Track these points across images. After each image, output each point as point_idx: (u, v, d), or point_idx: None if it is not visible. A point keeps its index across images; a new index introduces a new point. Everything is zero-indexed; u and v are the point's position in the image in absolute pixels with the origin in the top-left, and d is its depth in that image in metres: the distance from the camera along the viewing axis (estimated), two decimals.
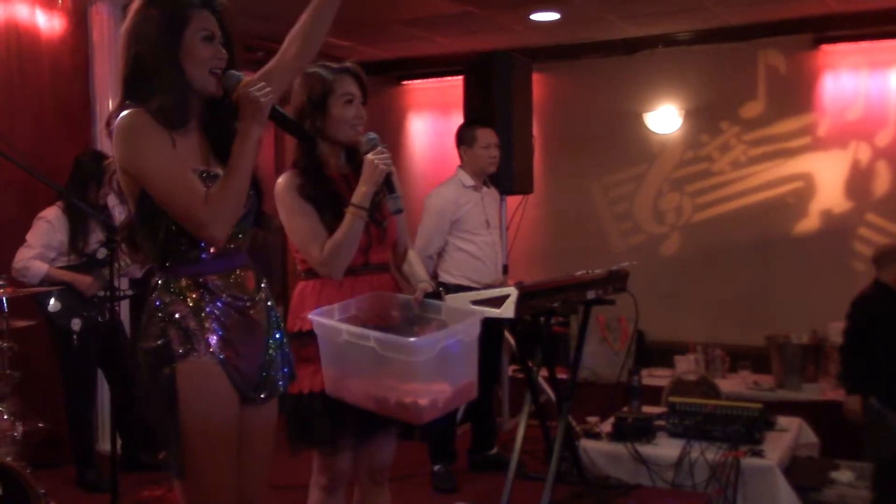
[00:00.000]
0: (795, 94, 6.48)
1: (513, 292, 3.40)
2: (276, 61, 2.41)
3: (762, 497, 4.14)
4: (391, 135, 7.21)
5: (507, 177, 5.29)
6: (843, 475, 4.61)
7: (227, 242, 2.19)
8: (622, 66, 6.92)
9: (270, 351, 2.31)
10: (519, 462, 4.18)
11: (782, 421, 4.77)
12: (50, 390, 4.86)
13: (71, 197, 4.45)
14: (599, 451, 4.54)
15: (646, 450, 4.42)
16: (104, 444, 5.10)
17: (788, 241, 6.48)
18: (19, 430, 3.79)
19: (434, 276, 4.60)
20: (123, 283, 4.80)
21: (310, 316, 2.59)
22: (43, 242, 4.59)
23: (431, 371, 2.48)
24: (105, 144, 5.32)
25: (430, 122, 7.72)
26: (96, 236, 4.73)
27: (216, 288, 2.19)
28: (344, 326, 2.54)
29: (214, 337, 2.16)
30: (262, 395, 2.28)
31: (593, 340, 6.26)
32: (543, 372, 4.69)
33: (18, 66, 5.09)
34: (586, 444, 4.58)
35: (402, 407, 2.51)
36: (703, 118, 6.78)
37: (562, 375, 4.64)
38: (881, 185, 6.26)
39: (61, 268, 4.63)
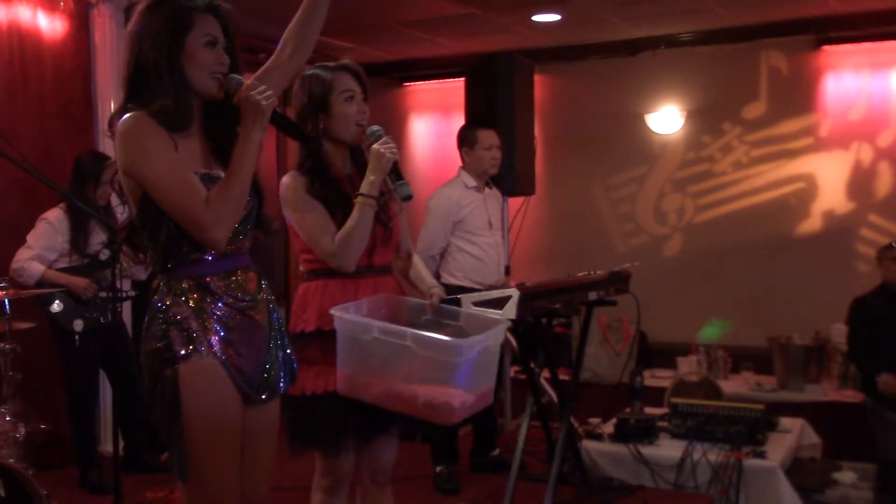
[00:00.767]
0: (797, 95, 6.48)
1: (515, 293, 3.40)
2: (272, 61, 2.42)
3: (764, 498, 4.14)
4: (393, 136, 7.16)
5: (510, 178, 5.29)
6: (846, 476, 4.60)
7: (229, 244, 2.19)
8: (624, 67, 6.92)
9: (272, 352, 2.31)
10: (521, 463, 4.18)
11: (784, 422, 4.76)
12: (52, 392, 4.88)
13: (72, 198, 4.45)
14: (601, 452, 4.53)
15: (648, 451, 4.42)
16: (107, 446, 5.10)
17: (790, 241, 6.47)
18: (21, 431, 3.79)
19: (436, 276, 4.60)
20: (126, 285, 4.81)
21: (333, 311, 2.59)
22: (43, 244, 4.60)
23: (465, 373, 2.50)
24: (107, 146, 5.35)
25: (432, 124, 7.73)
26: (98, 237, 4.74)
27: (217, 289, 2.19)
28: (376, 323, 2.55)
29: (216, 338, 2.17)
30: (263, 396, 2.28)
31: (595, 341, 6.25)
32: (545, 373, 4.69)
33: (21, 68, 5.10)
34: (588, 445, 4.57)
35: (432, 407, 2.53)
36: (705, 119, 6.77)
37: (564, 376, 4.64)
38: (883, 185, 6.25)
39: (63, 269, 4.64)
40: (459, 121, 5.46)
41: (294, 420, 2.73)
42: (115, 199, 5.01)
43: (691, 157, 6.85)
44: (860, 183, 6.30)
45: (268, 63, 2.42)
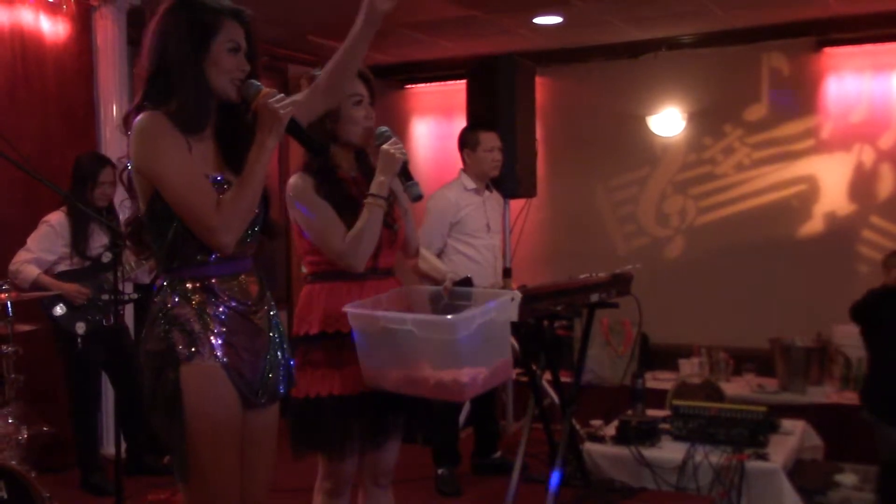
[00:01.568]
0: (799, 97, 6.48)
1: (516, 295, 3.41)
2: (308, 93, 2.44)
3: (766, 500, 4.14)
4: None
5: (511, 180, 5.29)
6: (848, 478, 4.60)
7: (235, 248, 2.20)
8: (625, 69, 6.92)
9: (272, 356, 2.31)
10: (523, 465, 4.18)
11: (786, 424, 4.76)
12: (54, 394, 4.88)
13: (73, 199, 4.46)
14: (603, 454, 4.53)
15: (650, 453, 4.42)
16: (109, 448, 5.11)
17: (792, 243, 6.47)
18: (24, 433, 3.80)
19: None
20: (128, 287, 4.81)
21: (346, 308, 2.62)
22: (42, 247, 4.61)
23: (470, 349, 2.53)
24: (110, 148, 5.37)
25: (434, 126, 7.73)
26: (99, 240, 4.75)
27: (221, 292, 2.20)
28: (380, 314, 2.59)
29: (218, 340, 2.17)
30: (262, 400, 2.28)
31: (597, 343, 6.24)
32: (547, 375, 4.69)
33: (23, 70, 5.11)
34: (590, 448, 4.57)
35: (443, 386, 2.56)
36: (707, 121, 6.77)
37: (565, 379, 4.64)
38: (885, 187, 6.25)
39: (65, 272, 4.65)
40: (461, 123, 5.46)
41: (297, 422, 2.73)
42: (118, 201, 5.03)
43: (693, 159, 6.85)
44: (862, 185, 6.30)
45: (303, 94, 2.44)
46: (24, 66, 5.12)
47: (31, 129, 5.11)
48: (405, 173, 2.72)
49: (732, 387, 5.78)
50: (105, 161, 4.85)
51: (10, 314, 3.89)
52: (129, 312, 5.29)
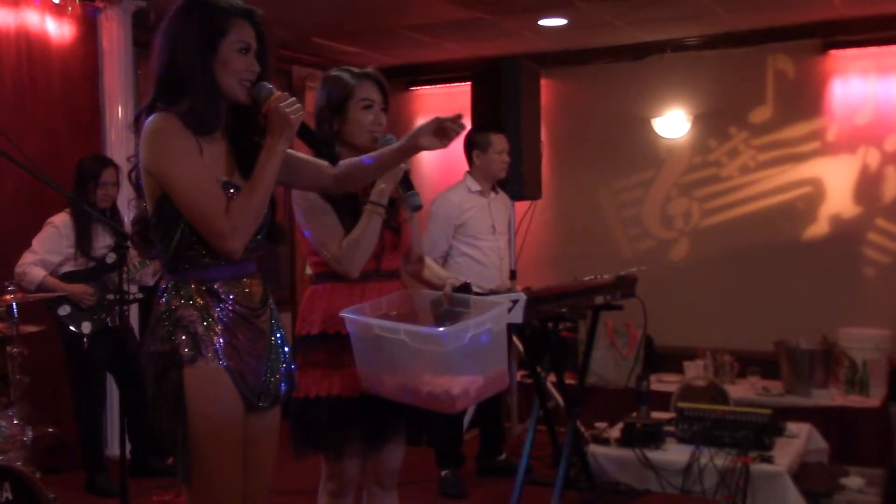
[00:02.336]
0: (804, 99, 6.47)
1: (521, 297, 3.41)
2: (316, 168, 2.40)
3: (772, 503, 4.13)
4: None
5: (516, 182, 5.29)
6: (853, 481, 4.58)
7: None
8: (630, 71, 6.92)
9: (273, 359, 2.31)
10: (527, 467, 4.18)
11: (792, 427, 4.75)
12: (59, 395, 4.89)
13: (78, 201, 4.47)
14: (608, 456, 4.53)
15: (654, 455, 4.41)
16: (114, 449, 5.11)
17: (797, 246, 6.46)
18: (29, 434, 3.80)
19: None
20: (132, 288, 4.81)
21: (342, 314, 2.61)
22: (47, 248, 4.62)
23: (462, 360, 2.52)
24: (114, 150, 5.37)
25: None
26: (104, 241, 4.76)
27: (225, 294, 2.20)
28: (375, 321, 2.58)
29: (221, 343, 2.17)
30: (263, 404, 2.27)
31: (602, 346, 6.24)
32: (552, 377, 4.69)
33: (29, 73, 5.12)
34: (595, 450, 4.57)
35: (434, 397, 2.55)
36: (712, 123, 6.77)
37: (570, 381, 4.64)
38: (890, 189, 6.24)
39: (70, 272, 4.66)
40: (466, 125, 5.45)
41: (298, 423, 2.73)
42: (125, 201, 5.03)
43: (698, 161, 6.85)
44: (867, 187, 6.29)
45: (315, 161, 2.40)
46: (30, 68, 5.13)
47: (36, 131, 5.12)
48: (406, 182, 2.72)
49: (737, 389, 5.77)
50: (107, 162, 4.86)
51: (16, 315, 3.90)
52: (133, 314, 5.30)
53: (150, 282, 4.96)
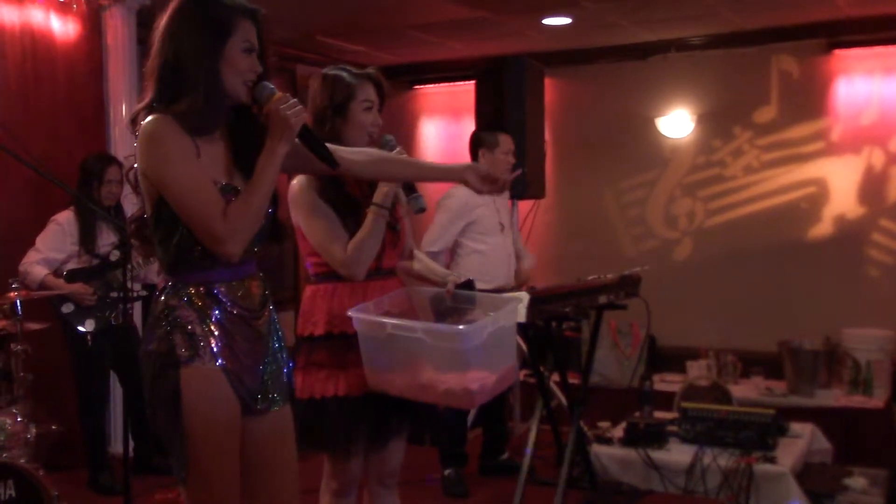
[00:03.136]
0: (809, 99, 6.46)
1: (525, 297, 3.41)
2: (346, 152, 2.38)
3: (775, 503, 4.13)
4: (403, 139, 7.15)
5: (519, 181, 5.26)
6: (857, 482, 4.58)
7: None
8: (634, 70, 6.91)
9: (271, 361, 2.30)
10: (530, 467, 4.18)
11: (795, 427, 4.75)
12: (63, 393, 4.89)
13: (82, 198, 4.48)
14: (611, 456, 4.53)
15: (658, 455, 4.41)
16: (117, 447, 5.11)
17: (801, 246, 6.45)
18: (32, 432, 3.81)
19: None
20: (136, 286, 4.82)
21: (350, 313, 2.62)
22: (50, 246, 4.63)
23: (479, 357, 2.56)
24: (119, 148, 5.37)
25: (442, 127, 7.73)
26: (108, 238, 4.77)
27: (224, 296, 2.18)
28: (388, 320, 2.59)
29: (219, 344, 2.16)
30: (259, 406, 2.26)
31: (605, 345, 6.24)
32: (555, 377, 4.69)
33: (33, 70, 5.12)
34: (598, 450, 4.57)
35: (452, 394, 2.58)
36: (716, 123, 6.76)
37: (573, 380, 4.63)
38: (895, 190, 6.22)
39: (74, 270, 4.66)
40: (469, 124, 5.45)
41: (302, 423, 2.73)
42: (124, 201, 5.04)
43: (702, 161, 6.84)
44: (871, 187, 6.28)
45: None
46: (35, 66, 5.13)
47: (41, 128, 5.12)
48: (409, 185, 2.72)
49: (740, 389, 5.77)
50: (111, 160, 4.87)
51: (20, 313, 3.90)
52: (137, 311, 5.30)
53: (155, 279, 4.96)
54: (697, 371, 6.11)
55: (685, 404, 4.71)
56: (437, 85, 7.72)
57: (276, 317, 2.36)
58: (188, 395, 2.12)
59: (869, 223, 6.29)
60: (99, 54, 5.44)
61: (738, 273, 6.57)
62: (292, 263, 6.98)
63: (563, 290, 3.83)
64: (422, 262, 3.02)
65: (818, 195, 6.44)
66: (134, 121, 2.17)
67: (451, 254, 4.73)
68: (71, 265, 4.68)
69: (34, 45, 5.12)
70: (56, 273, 4.62)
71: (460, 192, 4.75)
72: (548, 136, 6.21)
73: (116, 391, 5.13)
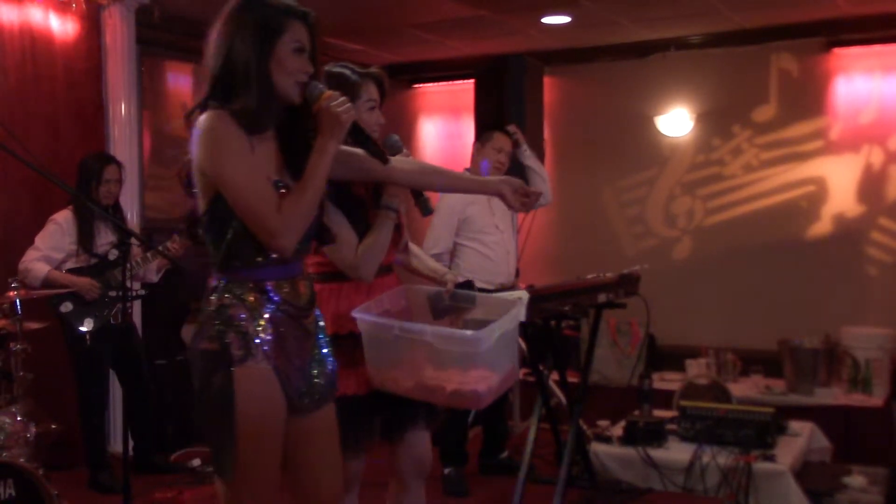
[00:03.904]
0: (808, 98, 6.46)
1: (524, 295, 3.41)
2: (366, 164, 2.40)
3: (774, 502, 4.13)
4: (403, 138, 7.17)
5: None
6: (856, 480, 4.58)
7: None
8: (634, 69, 6.91)
9: (318, 359, 2.34)
10: (530, 466, 4.18)
11: (794, 426, 4.75)
12: (62, 392, 4.89)
13: (81, 197, 4.48)
14: (610, 454, 4.53)
15: (657, 454, 4.42)
16: (116, 446, 5.12)
17: (800, 244, 6.45)
18: (32, 431, 3.80)
19: None
20: (135, 285, 4.82)
21: (355, 314, 2.64)
22: (49, 245, 4.63)
23: (486, 359, 2.60)
24: (117, 147, 5.38)
25: (442, 126, 7.73)
26: (106, 237, 4.77)
27: (274, 294, 2.22)
28: (396, 323, 2.63)
29: (270, 343, 2.19)
30: (306, 401, 2.29)
31: (604, 344, 6.25)
32: (554, 375, 4.69)
33: (33, 69, 5.12)
34: (597, 448, 4.57)
35: (460, 395, 2.62)
36: (715, 122, 6.76)
37: (573, 379, 4.63)
38: (894, 188, 6.23)
39: (72, 269, 4.67)
40: (469, 122, 5.46)
41: None
42: (123, 200, 5.04)
43: (701, 159, 6.84)
44: (870, 186, 6.28)
45: (364, 161, 2.39)
46: (34, 65, 5.13)
47: (40, 127, 5.12)
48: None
49: (740, 388, 5.77)
50: (109, 159, 4.87)
51: (19, 312, 3.90)
52: (136, 310, 5.31)
53: (154, 278, 4.97)
54: (697, 369, 6.12)
55: (684, 403, 4.72)
56: (436, 84, 7.72)
57: (320, 313, 2.40)
58: (241, 394, 2.14)
59: (868, 222, 6.29)
60: (98, 53, 5.44)
61: (737, 272, 6.58)
62: None
63: (562, 289, 3.83)
64: (419, 258, 3.03)
65: (817, 194, 6.44)
66: (188, 118, 2.20)
67: (449, 254, 4.73)
68: (69, 264, 4.68)
69: (33, 44, 5.12)
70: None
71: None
72: (547, 134, 6.22)
73: (116, 390, 5.14)
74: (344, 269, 2.72)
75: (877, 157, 6.27)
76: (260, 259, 2.19)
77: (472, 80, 5.89)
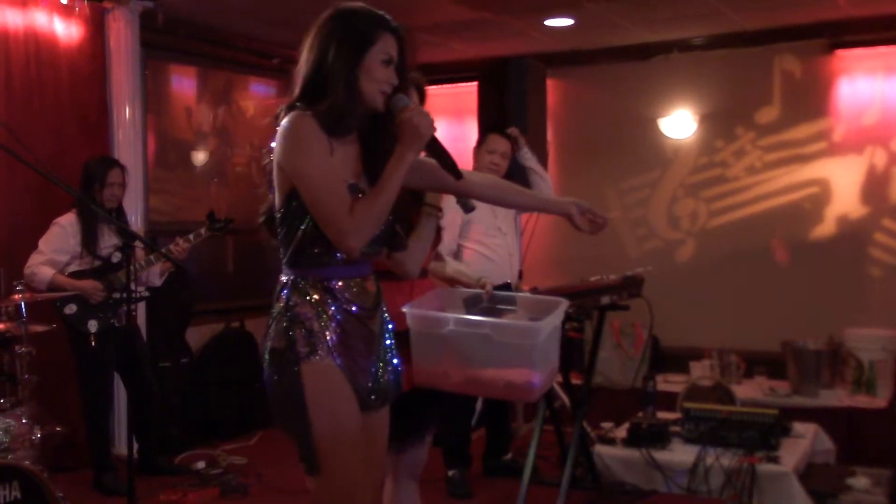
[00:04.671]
0: (811, 99, 6.46)
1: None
2: (439, 178, 2.43)
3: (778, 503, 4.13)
4: None
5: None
6: (860, 482, 4.58)
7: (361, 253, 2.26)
8: (637, 71, 6.92)
9: (383, 359, 2.38)
10: (533, 467, 4.18)
11: (798, 427, 4.75)
12: (67, 394, 4.91)
13: (85, 200, 4.49)
14: (614, 456, 4.53)
15: (661, 456, 4.42)
16: (121, 448, 5.13)
17: (804, 246, 6.45)
18: (37, 433, 3.81)
19: None
20: (138, 287, 4.83)
21: (405, 309, 2.69)
22: (53, 248, 4.64)
23: (541, 352, 2.69)
24: (121, 151, 5.39)
25: (445, 128, 7.72)
26: (110, 240, 4.78)
27: (340, 293, 2.27)
28: (451, 316, 2.70)
29: (334, 340, 2.25)
30: (373, 397, 2.35)
31: (608, 346, 6.24)
32: (558, 377, 4.69)
33: (37, 73, 5.14)
34: (601, 450, 4.57)
35: (513, 387, 2.70)
36: (718, 123, 6.76)
37: (576, 381, 4.64)
38: None
39: (76, 271, 4.68)
40: (472, 125, 5.46)
41: None
42: (127, 203, 5.05)
43: (704, 161, 6.84)
44: (874, 187, 6.27)
45: (440, 172, 2.40)
46: (38, 69, 5.15)
47: (44, 130, 5.14)
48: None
49: (744, 389, 5.77)
50: (113, 162, 4.89)
51: (24, 315, 3.91)
52: (140, 313, 5.32)
53: (158, 282, 4.98)
54: (700, 371, 6.12)
55: (688, 404, 4.72)
56: (439, 86, 7.70)
57: (388, 316, 2.45)
58: (310, 389, 2.21)
59: (872, 223, 6.28)
60: (102, 57, 5.46)
61: (740, 273, 6.57)
62: None
63: (565, 291, 3.84)
64: (452, 266, 3.10)
65: (821, 195, 6.43)
66: (276, 118, 2.28)
67: (455, 256, 4.73)
68: (73, 267, 4.70)
69: (38, 47, 5.14)
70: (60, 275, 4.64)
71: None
72: (550, 136, 6.22)
73: (120, 392, 5.15)
74: (389, 265, 2.75)
75: (880, 158, 6.27)
76: (327, 259, 2.26)
77: (475, 83, 5.89)
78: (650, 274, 4.34)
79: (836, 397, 5.65)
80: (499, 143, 4.76)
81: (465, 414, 4.95)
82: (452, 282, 3.06)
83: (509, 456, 5.12)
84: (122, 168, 4.88)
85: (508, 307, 2.92)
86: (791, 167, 6.52)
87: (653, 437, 4.50)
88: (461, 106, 7.32)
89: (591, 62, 7.03)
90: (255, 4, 5.64)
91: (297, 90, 2.29)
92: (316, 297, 2.25)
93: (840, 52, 6.32)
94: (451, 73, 7.43)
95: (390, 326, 2.43)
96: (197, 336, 6.04)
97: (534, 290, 3.57)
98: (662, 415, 4.81)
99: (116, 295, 4.69)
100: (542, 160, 5.74)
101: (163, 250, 4.60)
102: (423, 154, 2.33)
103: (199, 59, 6.36)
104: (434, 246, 2.89)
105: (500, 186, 2.74)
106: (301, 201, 2.20)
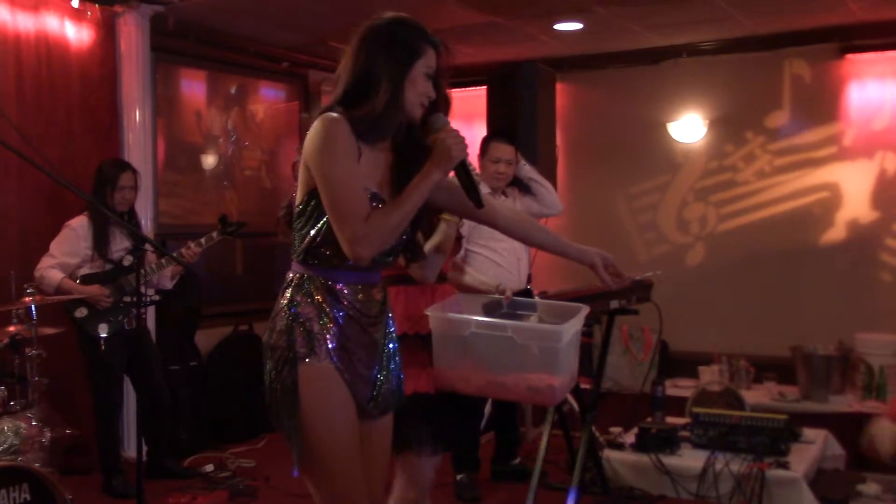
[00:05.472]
0: (821, 104, 6.45)
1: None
2: (464, 198, 2.41)
3: None
4: None
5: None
6: (870, 488, 4.56)
7: (371, 262, 2.26)
8: (646, 75, 6.91)
9: (385, 368, 2.38)
10: (542, 472, 4.18)
11: (808, 433, 4.72)
12: (77, 397, 4.92)
13: (96, 203, 4.51)
14: (623, 461, 4.52)
15: (670, 461, 4.40)
16: (130, 451, 5.15)
17: (814, 251, 6.43)
18: (47, 436, 3.83)
19: None
20: (149, 291, 4.85)
21: (428, 311, 2.71)
22: (64, 251, 4.66)
23: (564, 356, 2.70)
24: (133, 153, 5.42)
25: None
26: (121, 243, 4.79)
27: (344, 297, 2.27)
28: (473, 318, 2.71)
29: (333, 343, 2.24)
30: (374, 410, 2.35)
31: (617, 350, 6.23)
32: None
33: (48, 77, 5.17)
34: (610, 455, 4.56)
35: (536, 391, 2.72)
36: (728, 128, 6.75)
37: (585, 385, 4.63)
38: None
39: (87, 274, 4.70)
40: (481, 129, 5.46)
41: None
42: (137, 206, 5.06)
43: (714, 166, 6.83)
44: (884, 192, 6.26)
45: (465, 197, 2.39)
46: (50, 73, 5.17)
47: (55, 134, 5.16)
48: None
49: (753, 395, 5.75)
50: (125, 166, 4.90)
51: (35, 318, 3.93)
52: (150, 316, 5.33)
53: (168, 285, 5.00)
54: (709, 376, 6.09)
55: (697, 409, 4.70)
56: (448, 90, 7.72)
57: (392, 321, 2.45)
58: (305, 390, 2.21)
59: (882, 228, 6.26)
60: (113, 61, 5.49)
61: (750, 278, 6.56)
62: None
63: (574, 295, 3.83)
64: (470, 274, 3.11)
65: (831, 200, 6.42)
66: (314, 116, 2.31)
67: (462, 261, 4.73)
68: (84, 270, 4.71)
69: (49, 51, 5.17)
70: (70, 278, 4.65)
71: None
72: (559, 140, 6.20)
73: (130, 395, 5.16)
74: (409, 271, 2.77)
75: (890, 162, 6.25)
76: (337, 261, 2.26)
77: (484, 87, 5.89)
78: (659, 278, 4.33)
79: (846, 403, 5.63)
80: (502, 151, 4.71)
81: (473, 418, 4.94)
82: (471, 291, 3.07)
83: (518, 460, 5.12)
84: (135, 171, 4.89)
85: (528, 312, 2.92)
86: (801, 172, 6.51)
87: (662, 442, 4.48)
88: (470, 110, 7.32)
89: (600, 66, 7.04)
90: (265, 9, 5.65)
91: (338, 93, 2.30)
92: (319, 298, 2.25)
93: (850, 57, 6.31)
94: (460, 78, 7.41)
95: (393, 334, 2.42)
96: (205, 339, 6.06)
97: (542, 295, 3.56)
98: (671, 420, 4.79)
99: (127, 298, 4.70)
100: (552, 165, 5.74)
101: (173, 254, 4.62)
102: (452, 174, 2.33)
103: (209, 63, 6.38)
104: (453, 253, 2.90)
105: (525, 223, 2.74)
106: (320, 202, 2.21)
